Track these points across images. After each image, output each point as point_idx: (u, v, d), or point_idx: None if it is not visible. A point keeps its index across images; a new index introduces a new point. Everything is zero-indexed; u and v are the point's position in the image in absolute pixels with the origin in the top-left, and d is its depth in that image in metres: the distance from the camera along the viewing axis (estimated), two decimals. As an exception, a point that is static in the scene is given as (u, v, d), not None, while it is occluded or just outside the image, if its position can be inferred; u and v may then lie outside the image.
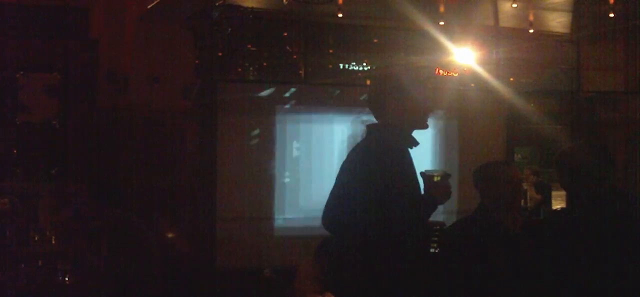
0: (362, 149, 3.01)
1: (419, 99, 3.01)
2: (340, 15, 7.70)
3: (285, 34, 8.73)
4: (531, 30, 8.88)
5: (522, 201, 8.65)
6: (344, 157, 3.09)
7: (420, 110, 3.02)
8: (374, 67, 9.10)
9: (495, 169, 3.75)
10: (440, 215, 3.52)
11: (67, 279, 5.10)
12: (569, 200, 3.16)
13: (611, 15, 7.75)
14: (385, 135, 2.98)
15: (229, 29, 7.45)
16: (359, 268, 2.89)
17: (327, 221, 3.06)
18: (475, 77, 8.57)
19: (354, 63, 9.08)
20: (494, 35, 9.00)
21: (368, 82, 9.03)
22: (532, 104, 9.50)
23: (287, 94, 6.99)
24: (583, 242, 2.98)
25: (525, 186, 8.41)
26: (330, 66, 9.03)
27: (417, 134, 3.10)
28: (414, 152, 3.07)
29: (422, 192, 2.98)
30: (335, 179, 3.08)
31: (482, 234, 3.51)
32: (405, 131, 3.00)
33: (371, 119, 3.10)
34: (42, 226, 6.26)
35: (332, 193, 3.03)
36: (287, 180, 7.17)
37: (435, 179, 3.01)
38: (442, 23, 8.18)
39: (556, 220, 3.46)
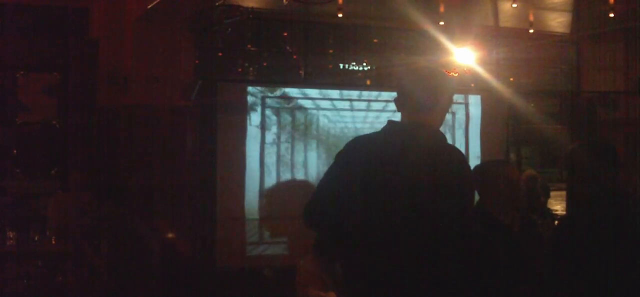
0: (379, 145, 2.80)
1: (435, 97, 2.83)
2: (340, 15, 7.69)
3: (285, 34, 8.73)
4: (531, 30, 8.87)
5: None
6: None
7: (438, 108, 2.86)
8: (374, 67, 9.10)
9: (494, 168, 3.75)
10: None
11: (67, 279, 5.12)
12: (569, 200, 3.15)
13: (611, 15, 7.73)
14: (404, 131, 2.80)
15: (229, 29, 7.46)
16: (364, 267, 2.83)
17: (317, 220, 2.94)
18: (475, 77, 8.57)
19: (354, 63, 9.08)
20: (494, 35, 8.99)
21: (369, 81, 9.05)
22: (532, 104, 9.50)
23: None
24: (583, 243, 2.97)
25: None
26: (330, 66, 9.03)
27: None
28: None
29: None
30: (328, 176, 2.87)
31: (481, 233, 3.51)
32: (421, 128, 2.78)
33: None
34: (42, 226, 6.27)
35: (327, 190, 2.85)
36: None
37: None
38: (442, 23, 8.18)
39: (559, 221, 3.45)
